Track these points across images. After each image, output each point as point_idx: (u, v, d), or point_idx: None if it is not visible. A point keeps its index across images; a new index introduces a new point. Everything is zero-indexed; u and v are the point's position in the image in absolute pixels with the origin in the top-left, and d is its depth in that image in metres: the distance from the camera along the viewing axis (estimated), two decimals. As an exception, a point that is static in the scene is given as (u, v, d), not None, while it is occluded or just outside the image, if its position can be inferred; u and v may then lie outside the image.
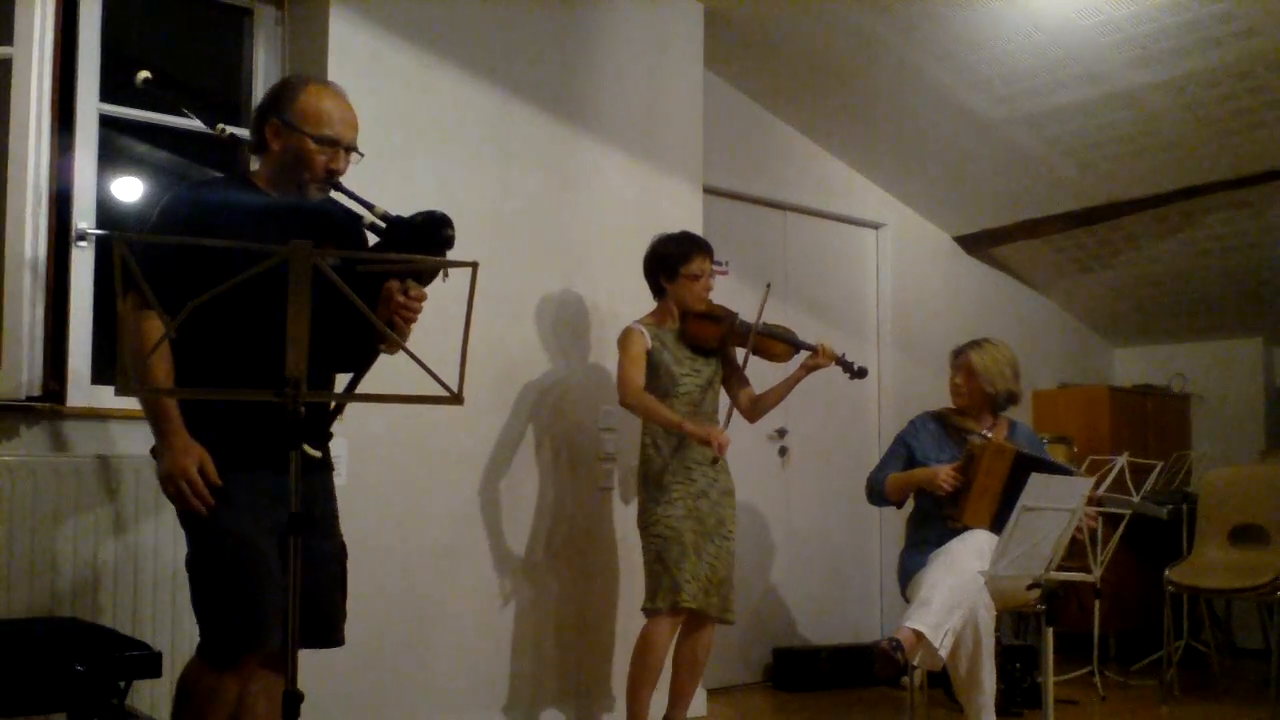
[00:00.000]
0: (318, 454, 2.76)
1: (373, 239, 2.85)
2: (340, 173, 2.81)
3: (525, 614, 4.49)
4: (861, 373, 4.37)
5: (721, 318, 4.27)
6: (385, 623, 4.05)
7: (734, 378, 4.40)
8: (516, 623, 4.46)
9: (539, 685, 4.51)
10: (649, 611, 4.14)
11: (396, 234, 2.71)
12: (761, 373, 4.46)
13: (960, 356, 4.54)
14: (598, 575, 4.69)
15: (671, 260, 4.25)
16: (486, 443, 4.44)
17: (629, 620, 4.57)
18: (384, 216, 2.74)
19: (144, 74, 3.02)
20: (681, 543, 4.08)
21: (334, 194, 2.84)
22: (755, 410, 4.43)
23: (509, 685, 4.43)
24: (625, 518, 4.65)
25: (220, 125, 3.10)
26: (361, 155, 2.86)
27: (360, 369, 2.83)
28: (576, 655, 4.62)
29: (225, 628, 2.61)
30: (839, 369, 4.33)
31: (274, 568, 2.62)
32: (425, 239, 2.67)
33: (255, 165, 2.91)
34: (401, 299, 2.69)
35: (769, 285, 4.37)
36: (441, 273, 2.80)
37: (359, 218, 2.81)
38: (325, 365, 2.80)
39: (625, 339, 4.25)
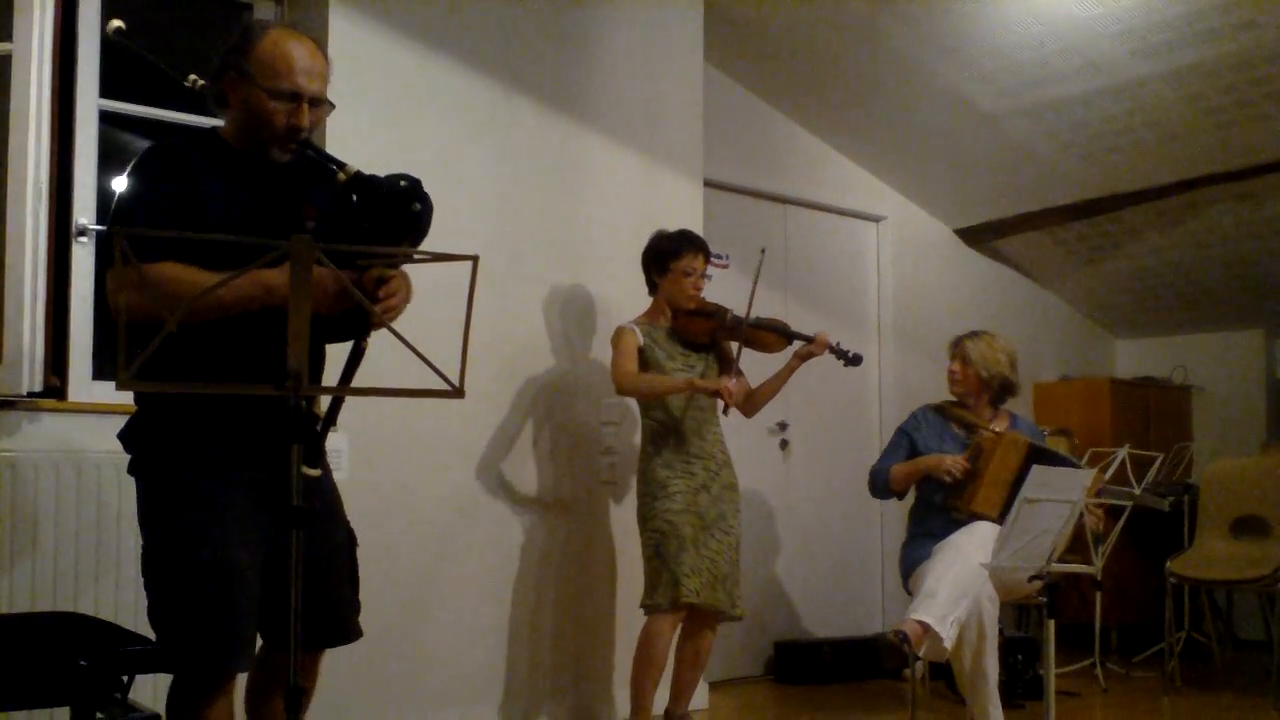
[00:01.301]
0: (316, 473, 2.47)
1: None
2: (303, 129, 2.50)
3: (524, 609, 4.49)
4: (856, 359, 4.33)
5: (713, 313, 4.27)
6: (384, 617, 4.04)
7: (728, 373, 4.38)
8: (515, 618, 4.47)
9: (538, 680, 4.52)
10: (649, 608, 4.13)
11: (361, 195, 2.42)
12: (757, 364, 4.46)
13: (957, 346, 4.58)
14: (597, 570, 4.70)
15: (663, 255, 4.26)
16: (486, 437, 4.44)
17: (629, 615, 4.58)
18: (354, 176, 2.44)
19: (116, 23, 2.80)
20: (680, 536, 4.07)
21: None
22: (751, 404, 4.40)
23: (507, 680, 4.43)
24: (625, 512, 4.65)
25: (192, 77, 2.72)
26: (333, 106, 2.58)
27: (347, 338, 2.61)
28: (576, 650, 4.63)
29: (196, 648, 2.42)
30: (834, 357, 4.29)
31: (252, 584, 2.45)
32: (390, 211, 2.41)
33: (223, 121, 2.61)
34: (380, 310, 2.39)
35: (764, 250, 4.36)
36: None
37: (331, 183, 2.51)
38: (315, 355, 2.66)
39: (616, 337, 4.26)
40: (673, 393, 4.15)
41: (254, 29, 2.55)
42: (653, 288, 4.34)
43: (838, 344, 4.31)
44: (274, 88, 2.46)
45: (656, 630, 4.13)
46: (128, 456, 2.56)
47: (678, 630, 4.20)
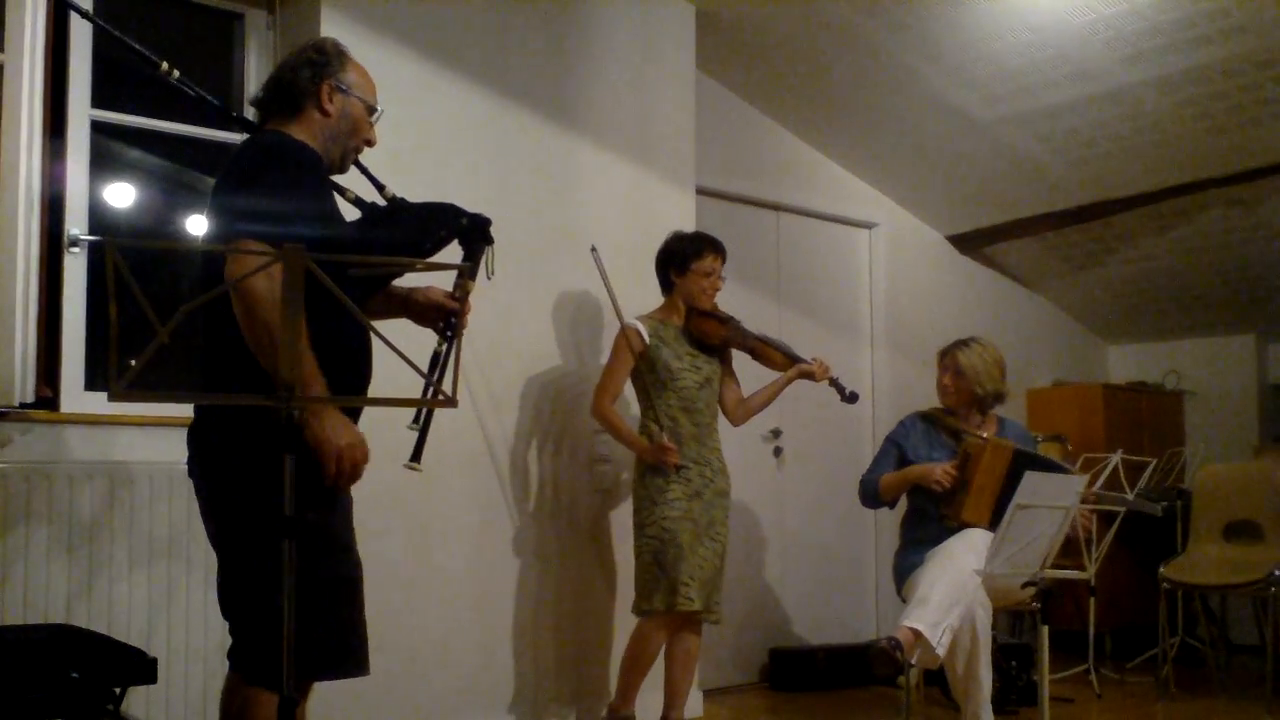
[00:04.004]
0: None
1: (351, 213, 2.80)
2: (374, 144, 2.75)
3: (523, 616, 4.48)
4: (853, 398, 4.46)
5: (725, 320, 4.33)
6: (382, 626, 4.03)
7: (726, 380, 4.44)
8: (515, 625, 4.46)
9: (538, 688, 4.51)
10: (644, 612, 4.15)
11: (392, 218, 2.69)
12: (755, 376, 4.47)
13: (947, 357, 4.55)
14: (596, 577, 4.69)
15: (684, 255, 4.30)
16: (482, 444, 4.43)
17: (627, 621, 4.57)
18: (390, 199, 2.70)
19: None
20: (679, 544, 4.09)
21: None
22: (741, 412, 4.48)
23: (508, 688, 4.42)
24: (622, 520, 4.64)
25: (165, 65, 2.78)
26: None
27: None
28: (575, 657, 4.62)
29: (336, 652, 2.45)
30: (833, 390, 4.41)
31: None
32: (418, 235, 2.64)
33: (277, 126, 2.65)
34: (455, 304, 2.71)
35: (594, 248, 4.31)
36: (486, 269, 2.78)
37: None
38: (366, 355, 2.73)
39: (618, 341, 4.28)
40: (623, 443, 4.33)
41: (338, 46, 2.74)
42: (668, 287, 4.37)
43: (838, 379, 4.43)
44: (371, 103, 2.71)
45: (650, 634, 4.15)
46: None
47: (668, 635, 4.20)
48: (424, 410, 2.77)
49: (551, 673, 4.56)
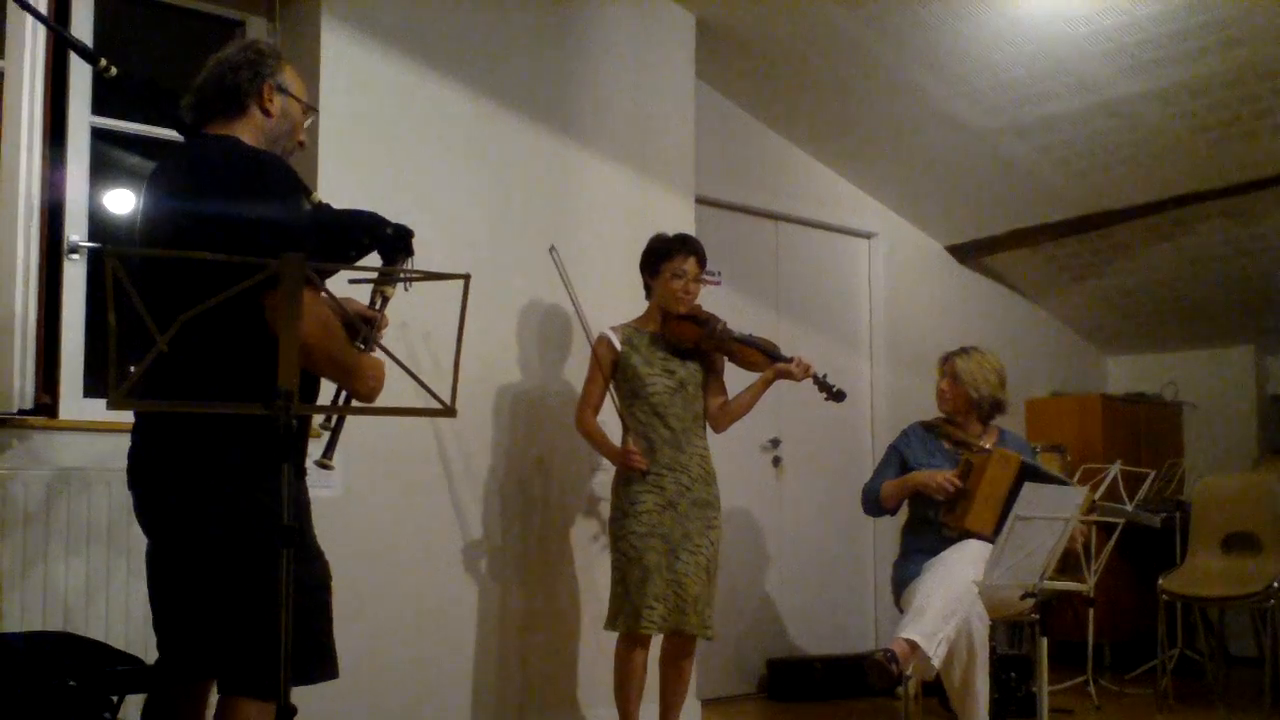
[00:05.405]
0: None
1: None
2: (304, 146, 2.76)
3: (489, 629, 4.45)
4: (839, 395, 4.17)
5: (704, 321, 4.19)
6: (353, 638, 4.02)
7: (712, 385, 4.30)
8: (491, 635, 4.44)
9: (503, 701, 4.48)
10: (615, 630, 4.11)
11: (315, 224, 2.64)
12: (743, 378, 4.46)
13: (946, 363, 4.58)
14: (565, 589, 4.65)
15: (654, 256, 4.24)
16: (472, 452, 4.43)
17: (598, 632, 4.51)
18: (315, 205, 2.67)
19: None
20: (644, 565, 3.99)
21: None
22: (722, 418, 4.27)
23: (468, 701, 4.38)
24: (602, 528, 4.64)
25: (103, 61, 2.77)
26: None
27: None
28: (562, 668, 4.60)
29: (314, 657, 2.47)
30: (816, 389, 4.15)
31: None
32: (342, 242, 2.64)
33: (219, 130, 2.58)
34: (376, 314, 2.70)
35: (553, 248, 4.26)
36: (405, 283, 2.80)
37: None
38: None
39: (593, 350, 4.24)
40: (602, 454, 4.30)
41: (274, 48, 2.71)
42: (648, 291, 4.32)
43: (824, 376, 4.16)
44: (307, 103, 2.72)
45: (623, 653, 4.11)
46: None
47: (649, 649, 4.14)
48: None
49: (538, 686, 4.52)
